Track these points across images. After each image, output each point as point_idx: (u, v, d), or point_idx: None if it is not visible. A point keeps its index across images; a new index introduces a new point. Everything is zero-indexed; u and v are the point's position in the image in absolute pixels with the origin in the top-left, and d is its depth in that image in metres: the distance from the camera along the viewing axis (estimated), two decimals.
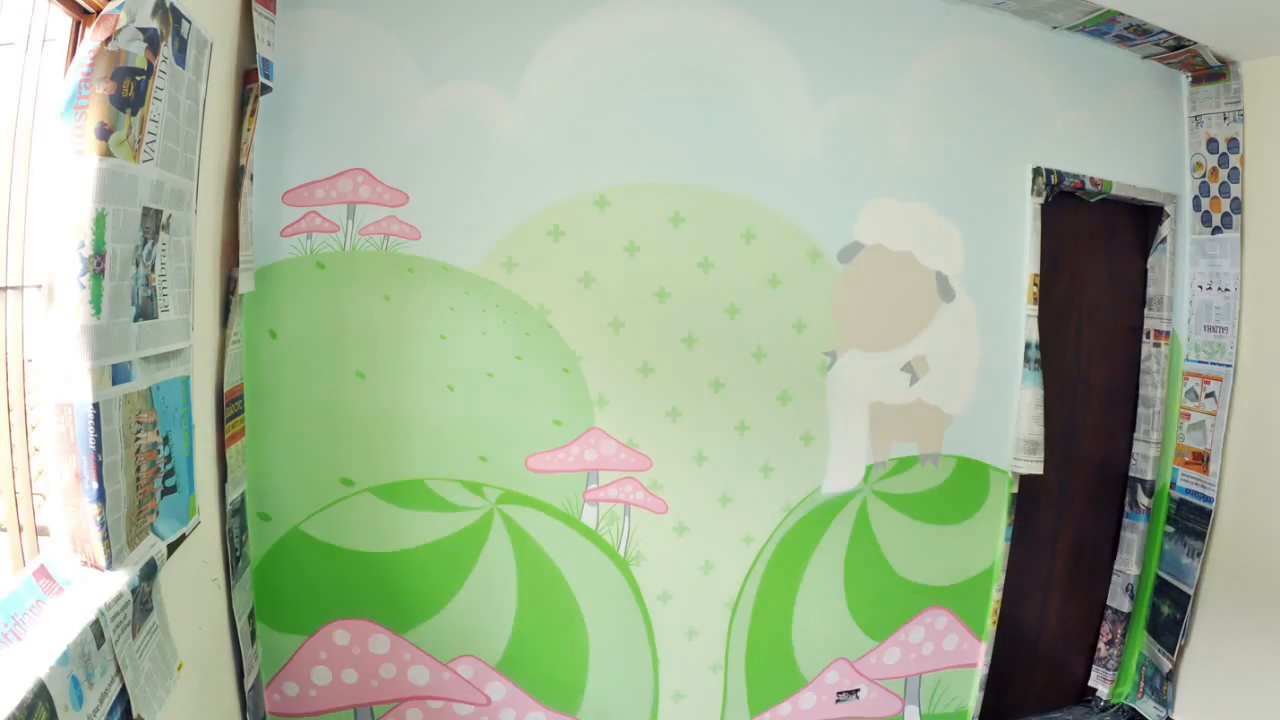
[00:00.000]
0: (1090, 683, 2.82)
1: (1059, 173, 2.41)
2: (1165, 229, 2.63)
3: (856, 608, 2.36)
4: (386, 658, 1.99)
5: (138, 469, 1.18)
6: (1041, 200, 2.39)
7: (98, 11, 1.11)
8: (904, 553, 2.38)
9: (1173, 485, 2.68)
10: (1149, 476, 2.68)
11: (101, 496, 1.07)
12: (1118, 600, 2.74)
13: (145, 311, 1.19)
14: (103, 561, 1.09)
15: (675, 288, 2.08)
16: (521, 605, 2.06)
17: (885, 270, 2.27)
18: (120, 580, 1.10)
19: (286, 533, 1.89)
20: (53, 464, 1.07)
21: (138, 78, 1.10)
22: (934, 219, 2.30)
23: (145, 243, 1.17)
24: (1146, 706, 2.72)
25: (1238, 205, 2.49)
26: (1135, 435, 2.73)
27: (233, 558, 1.66)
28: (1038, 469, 2.39)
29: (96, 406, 1.05)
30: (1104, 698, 2.79)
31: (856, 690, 2.40)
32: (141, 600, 1.16)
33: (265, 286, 1.80)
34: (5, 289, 1.12)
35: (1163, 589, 2.69)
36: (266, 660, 1.91)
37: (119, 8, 1.08)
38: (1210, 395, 2.58)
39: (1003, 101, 2.35)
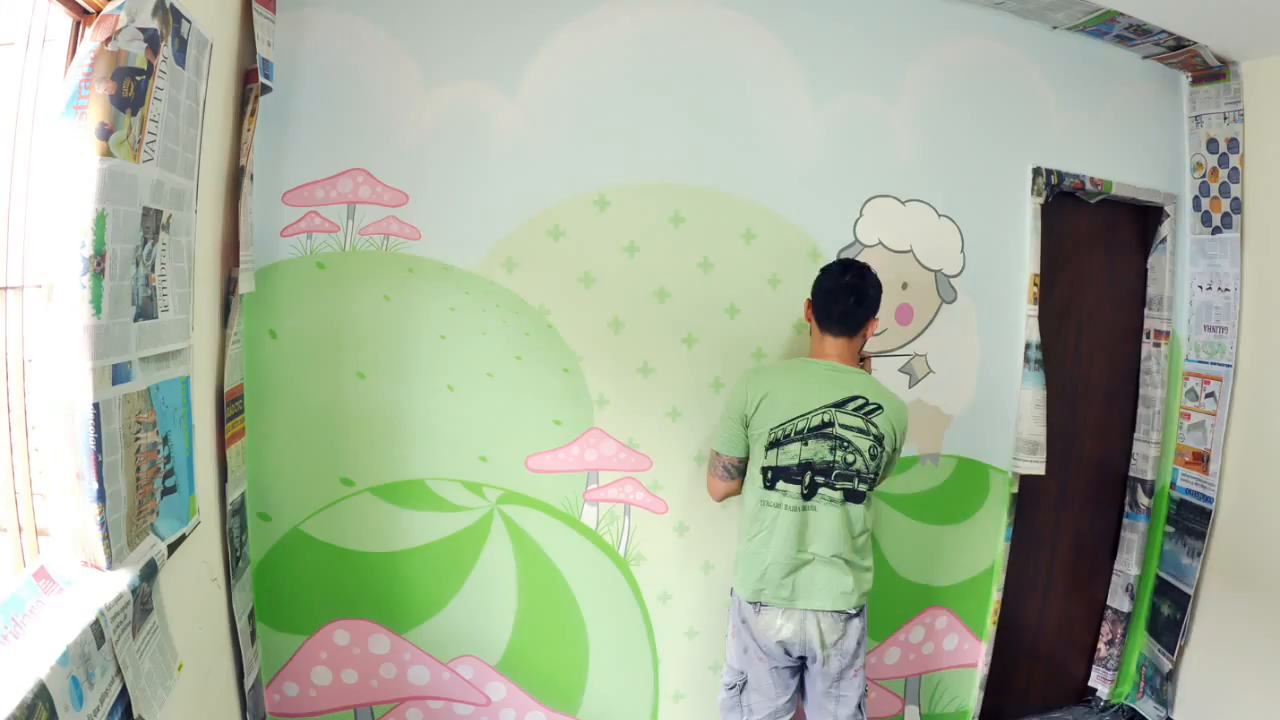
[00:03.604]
0: (1090, 683, 2.82)
1: (1059, 173, 2.41)
2: (1165, 229, 2.63)
3: None
4: (386, 658, 1.99)
5: (138, 469, 1.18)
6: (1041, 200, 2.39)
7: (98, 11, 1.11)
8: (904, 553, 2.38)
9: (1173, 485, 2.68)
10: (1149, 476, 2.68)
11: (101, 496, 1.07)
12: (1118, 600, 2.74)
13: (145, 311, 1.19)
14: (103, 561, 1.09)
15: (675, 288, 2.08)
16: (521, 605, 2.06)
17: (885, 270, 2.26)
18: (120, 580, 1.10)
19: (286, 533, 1.89)
20: (53, 464, 1.07)
21: (138, 78, 1.10)
22: (934, 219, 2.30)
23: (145, 243, 1.17)
24: (1146, 706, 2.72)
25: (1238, 205, 2.49)
26: (1135, 435, 2.73)
27: (233, 558, 1.66)
28: (1040, 469, 2.38)
29: (96, 406, 1.05)
30: (1104, 698, 2.79)
31: None
32: (141, 600, 1.16)
33: (265, 286, 1.80)
34: (5, 289, 1.12)
35: (1163, 589, 2.69)
36: (266, 660, 1.91)
37: (119, 8, 1.08)
38: (1210, 395, 2.57)
39: (1003, 101, 2.35)
